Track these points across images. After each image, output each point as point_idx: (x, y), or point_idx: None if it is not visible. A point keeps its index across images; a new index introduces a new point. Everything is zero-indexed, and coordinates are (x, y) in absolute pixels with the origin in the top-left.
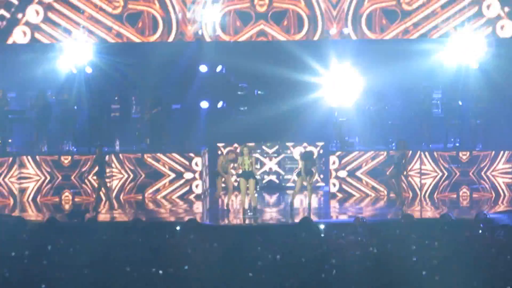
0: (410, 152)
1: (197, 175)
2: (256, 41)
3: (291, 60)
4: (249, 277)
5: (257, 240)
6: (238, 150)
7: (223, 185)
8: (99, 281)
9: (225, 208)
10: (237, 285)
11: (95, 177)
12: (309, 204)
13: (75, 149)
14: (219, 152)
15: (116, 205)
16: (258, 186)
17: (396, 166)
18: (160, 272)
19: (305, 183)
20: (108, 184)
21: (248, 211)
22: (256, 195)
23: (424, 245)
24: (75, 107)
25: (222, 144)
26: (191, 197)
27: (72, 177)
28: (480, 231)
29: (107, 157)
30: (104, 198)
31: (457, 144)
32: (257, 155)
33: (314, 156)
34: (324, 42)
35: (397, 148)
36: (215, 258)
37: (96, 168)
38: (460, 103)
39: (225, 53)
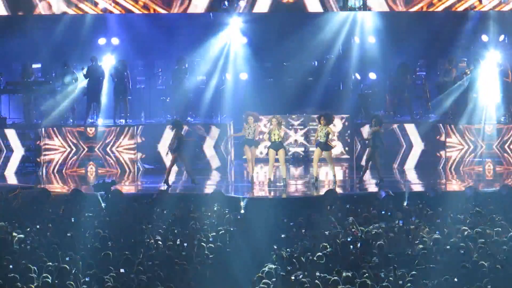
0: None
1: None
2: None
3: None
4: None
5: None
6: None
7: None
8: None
9: (250, 179)
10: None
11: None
12: (334, 176)
13: (101, 121)
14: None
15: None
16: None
17: (371, 145)
18: (185, 244)
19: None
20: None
21: (277, 182)
22: (285, 166)
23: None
24: (101, 78)
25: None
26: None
27: (96, 149)
28: None
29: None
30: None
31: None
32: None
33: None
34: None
35: (371, 125)
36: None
37: (175, 143)
38: None
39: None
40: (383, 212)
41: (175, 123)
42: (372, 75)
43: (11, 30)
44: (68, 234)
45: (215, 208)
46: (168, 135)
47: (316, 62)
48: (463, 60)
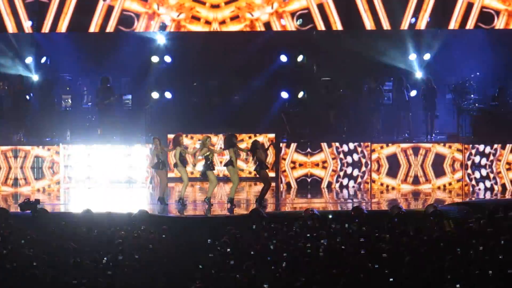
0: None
1: (143, 165)
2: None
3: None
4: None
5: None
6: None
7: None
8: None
9: (180, 200)
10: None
11: (152, 169)
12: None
13: (26, 140)
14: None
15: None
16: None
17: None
18: (110, 263)
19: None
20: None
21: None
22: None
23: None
24: (27, 97)
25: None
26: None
27: (24, 168)
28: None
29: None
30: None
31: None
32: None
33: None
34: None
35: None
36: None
37: (155, 160)
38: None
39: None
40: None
41: (153, 139)
42: (299, 94)
43: None
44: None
45: (142, 228)
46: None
47: (241, 81)
48: (389, 78)
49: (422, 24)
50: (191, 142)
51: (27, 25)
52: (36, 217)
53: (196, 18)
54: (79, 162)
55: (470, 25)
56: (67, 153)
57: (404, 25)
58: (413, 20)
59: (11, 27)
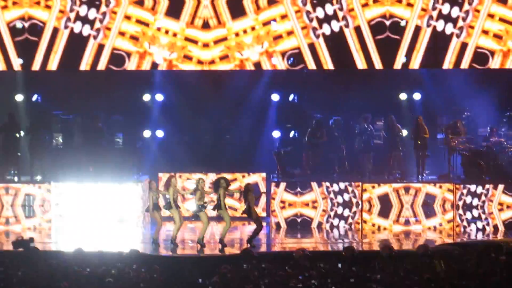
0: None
1: (135, 204)
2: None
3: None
4: None
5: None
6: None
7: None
8: None
9: (172, 241)
10: None
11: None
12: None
13: (16, 178)
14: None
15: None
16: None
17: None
18: None
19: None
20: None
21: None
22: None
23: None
24: (18, 135)
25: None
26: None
27: (14, 206)
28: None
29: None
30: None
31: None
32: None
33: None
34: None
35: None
36: None
37: (151, 203)
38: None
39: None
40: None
41: (149, 184)
42: (290, 133)
43: None
44: None
45: (134, 267)
46: None
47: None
48: (380, 118)
49: (415, 63)
50: (179, 180)
51: (17, 63)
52: (28, 256)
53: (188, 58)
54: (70, 200)
55: (464, 65)
56: (59, 191)
57: (397, 64)
58: (405, 59)
59: (0, 65)
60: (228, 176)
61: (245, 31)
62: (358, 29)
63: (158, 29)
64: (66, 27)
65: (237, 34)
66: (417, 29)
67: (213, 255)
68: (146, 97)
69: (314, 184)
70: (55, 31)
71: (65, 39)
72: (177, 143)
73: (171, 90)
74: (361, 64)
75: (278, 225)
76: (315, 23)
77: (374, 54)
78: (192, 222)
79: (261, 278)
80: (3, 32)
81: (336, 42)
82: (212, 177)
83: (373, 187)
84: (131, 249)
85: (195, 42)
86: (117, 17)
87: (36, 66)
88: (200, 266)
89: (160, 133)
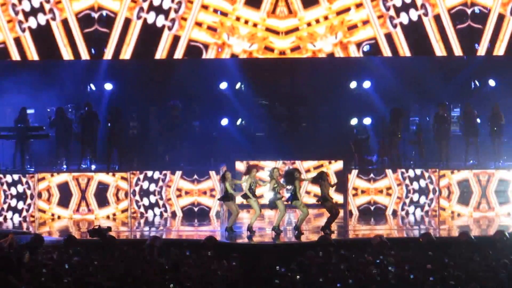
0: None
1: (214, 193)
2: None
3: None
4: None
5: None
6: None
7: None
8: None
9: (249, 229)
10: None
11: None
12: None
13: (94, 166)
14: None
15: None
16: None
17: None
18: None
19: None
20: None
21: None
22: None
23: None
24: (95, 124)
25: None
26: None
27: (89, 195)
28: None
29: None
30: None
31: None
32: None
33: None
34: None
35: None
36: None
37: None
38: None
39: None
40: (377, 260)
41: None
42: (367, 120)
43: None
44: (65, 280)
45: (209, 254)
46: None
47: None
48: (457, 105)
49: (499, 50)
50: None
51: (89, 53)
52: (105, 245)
53: (269, 49)
54: (146, 189)
55: None
56: (134, 179)
57: (480, 51)
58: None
59: (71, 55)
60: (309, 164)
61: (317, 21)
62: (437, 18)
63: (237, 19)
64: (139, 17)
65: (309, 24)
66: (500, 17)
67: (290, 243)
68: (223, 85)
69: (388, 171)
70: (127, 21)
71: (138, 30)
72: (252, 131)
73: (245, 78)
74: (439, 51)
75: (349, 212)
76: (392, 12)
77: (454, 41)
78: (269, 210)
79: (340, 265)
80: (71, 22)
81: (413, 30)
82: (286, 166)
83: (452, 172)
84: (208, 237)
85: (276, 32)
86: (194, 7)
87: (107, 57)
88: (278, 254)
89: (236, 121)
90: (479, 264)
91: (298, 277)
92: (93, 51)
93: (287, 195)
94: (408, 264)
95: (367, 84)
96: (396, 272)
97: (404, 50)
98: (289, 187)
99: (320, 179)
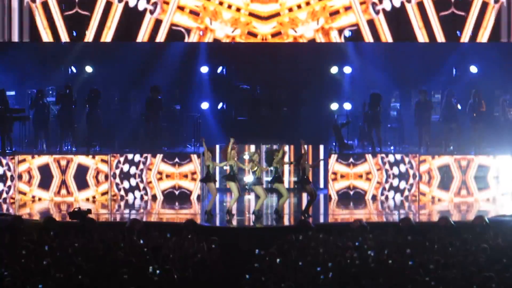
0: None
1: (195, 177)
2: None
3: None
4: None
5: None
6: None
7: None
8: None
9: (228, 212)
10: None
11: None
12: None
13: (74, 149)
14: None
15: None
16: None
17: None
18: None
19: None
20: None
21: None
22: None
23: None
24: (74, 106)
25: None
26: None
27: (69, 177)
28: None
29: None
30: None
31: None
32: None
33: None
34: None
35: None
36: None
37: (208, 173)
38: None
39: (226, 54)
40: (357, 243)
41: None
42: (347, 105)
43: None
44: (44, 262)
45: (189, 237)
46: None
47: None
48: (438, 91)
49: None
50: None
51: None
52: (84, 226)
53: (252, 34)
54: (126, 172)
55: None
56: (115, 162)
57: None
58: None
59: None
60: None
61: (299, 6)
62: (420, 4)
63: (221, 3)
64: (120, 0)
65: (290, 10)
66: (484, 5)
67: (270, 226)
68: (204, 69)
69: (368, 156)
70: (108, 4)
71: (119, 13)
72: (233, 114)
73: (228, 61)
74: (422, 38)
75: (328, 197)
76: None
77: (437, 28)
78: (249, 194)
79: (319, 249)
80: (51, 5)
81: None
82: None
83: (433, 158)
84: (187, 220)
85: (260, 17)
86: None
87: (88, 39)
88: (257, 238)
89: (218, 105)
90: (458, 248)
91: (277, 260)
92: (74, 33)
93: (268, 178)
94: (387, 249)
95: (348, 70)
96: (375, 257)
97: (387, 36)
98: (270, 168)
99: (299, 159)
